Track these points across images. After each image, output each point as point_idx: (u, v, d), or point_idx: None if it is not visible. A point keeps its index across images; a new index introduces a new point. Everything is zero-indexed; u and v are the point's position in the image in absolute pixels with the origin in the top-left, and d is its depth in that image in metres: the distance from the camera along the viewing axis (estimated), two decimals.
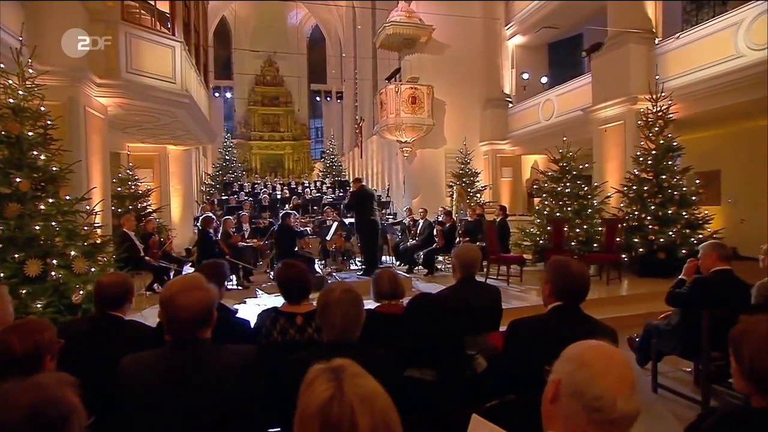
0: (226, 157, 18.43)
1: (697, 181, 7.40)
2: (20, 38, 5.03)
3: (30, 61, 5.04)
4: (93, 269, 5.18)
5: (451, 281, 7.82)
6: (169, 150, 10.71)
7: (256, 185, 16.28)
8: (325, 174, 20.88)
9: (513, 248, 8.93)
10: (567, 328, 1.90)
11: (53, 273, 4.57)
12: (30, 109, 4.94)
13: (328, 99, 22.33)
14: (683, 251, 6.80)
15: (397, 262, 9.18)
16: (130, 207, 8.99)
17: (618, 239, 7.36)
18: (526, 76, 12.80)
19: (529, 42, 13.46)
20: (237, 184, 16.00)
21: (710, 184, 9.13)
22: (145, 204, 9.35)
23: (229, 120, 25.68)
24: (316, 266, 8.64)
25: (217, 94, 20.28)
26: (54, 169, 5.09)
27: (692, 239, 7.01)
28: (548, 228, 7.72)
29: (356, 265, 8.84)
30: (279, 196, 14.18)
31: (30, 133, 4.87)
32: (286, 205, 12.58)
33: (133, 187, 9.13)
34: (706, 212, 7.22)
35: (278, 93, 27.44)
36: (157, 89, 7.01)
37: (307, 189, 15.15)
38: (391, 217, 12.59)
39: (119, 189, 9.09)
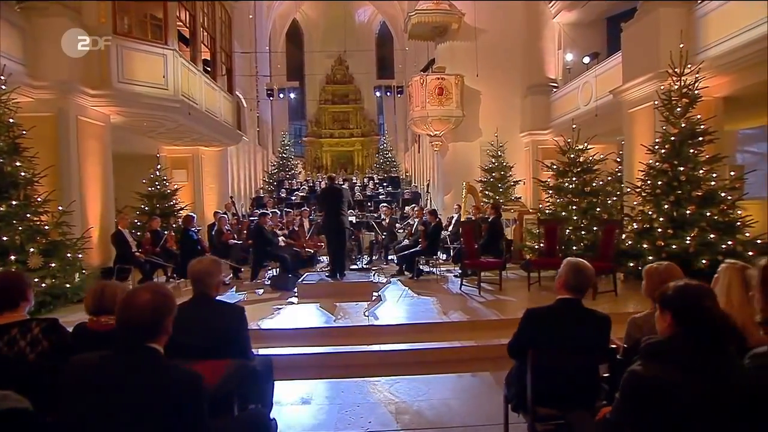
0: (283, 155, 19.30)
1: (732, 174, 5.88)
2: None
3: (2, 77, 5.67)
4: (53, 264, 5.71)
5: (435, 286, 7.27)
6: (203, 151, 11.43)
7: (306, 182, 16.79)
8: (378, 170, 20.83)
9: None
10: (124, 374, 1.52)
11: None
12: (2, 122, 5.57)
13: (388, 94, 22.20)
14: (703, 261, 5.47)
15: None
16: (157, 205, 9.80)
17: (630, 243, 6.20)
18: (570, 57, 11.33)
19: (582, 18, 11.91)
20: (287, 181, 16.65)
21: None
22: (172, 203, 10.08)
23: (298, 119, 26.89)
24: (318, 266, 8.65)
25: (281, 95, 21.24)
26: (23, 174, 5.69)
27: (722, 246, 5.60)
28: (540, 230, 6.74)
29: (357, 264, 8.65)
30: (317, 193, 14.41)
31: None
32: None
33: (159, 186, 9.90)
34: (739, 212, 5.70)
35: (348, 90, 27.99)
36: (147, 96, 7.49)
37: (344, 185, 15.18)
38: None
39: (150, 189, 9.95)
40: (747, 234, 5.67)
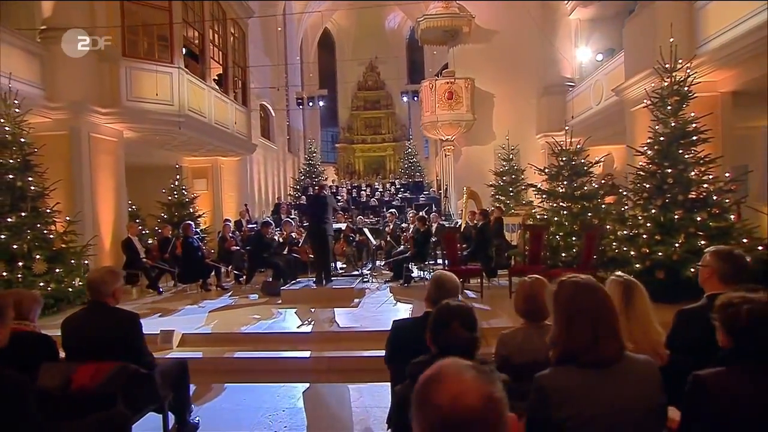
0: (310, 161, 19.80)
1: (727, 175, 5.45)
2: (9, 82, 6.22)
3: (17, 101, 6.28)
4: (58, 270, 6.24)
5: (421, 293, 7.34)
6: (221, 161, 11.98)
7: (330, 188, 17.13)
8: (403, 175, 20.85)
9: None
10: None
11: (5, 273, 5.65)
12: (15, 142, 6.17)
13: (415, 99, 22.25)
14: (692, 269, 5.10)
15: None
16: (176, 213, 10.40)
17: (618, 251, 5.90)
18: (588, 55, 10.87)
19: (602, 14, 11.40)
20: (311, 188, 17.05)
21: None
22: (191, 211, 10.64)
23: (332, 126, 27.50)
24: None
25: (311, 104, 21.85)
26: (32, 188, 6.27)
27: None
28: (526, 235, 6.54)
29: (359, 270, 8.74)
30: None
31: (10, 161, 6.10)
32: None
33: (178, 196, 10.48)
34: (731, 217, 5.26)
35: (379, 96, 28.25)
36: (154, 112, 8.01)
37: (363, 192, 15.34)
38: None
39: (169, 198, 10.58)
40: (744, 240, 5.22)
